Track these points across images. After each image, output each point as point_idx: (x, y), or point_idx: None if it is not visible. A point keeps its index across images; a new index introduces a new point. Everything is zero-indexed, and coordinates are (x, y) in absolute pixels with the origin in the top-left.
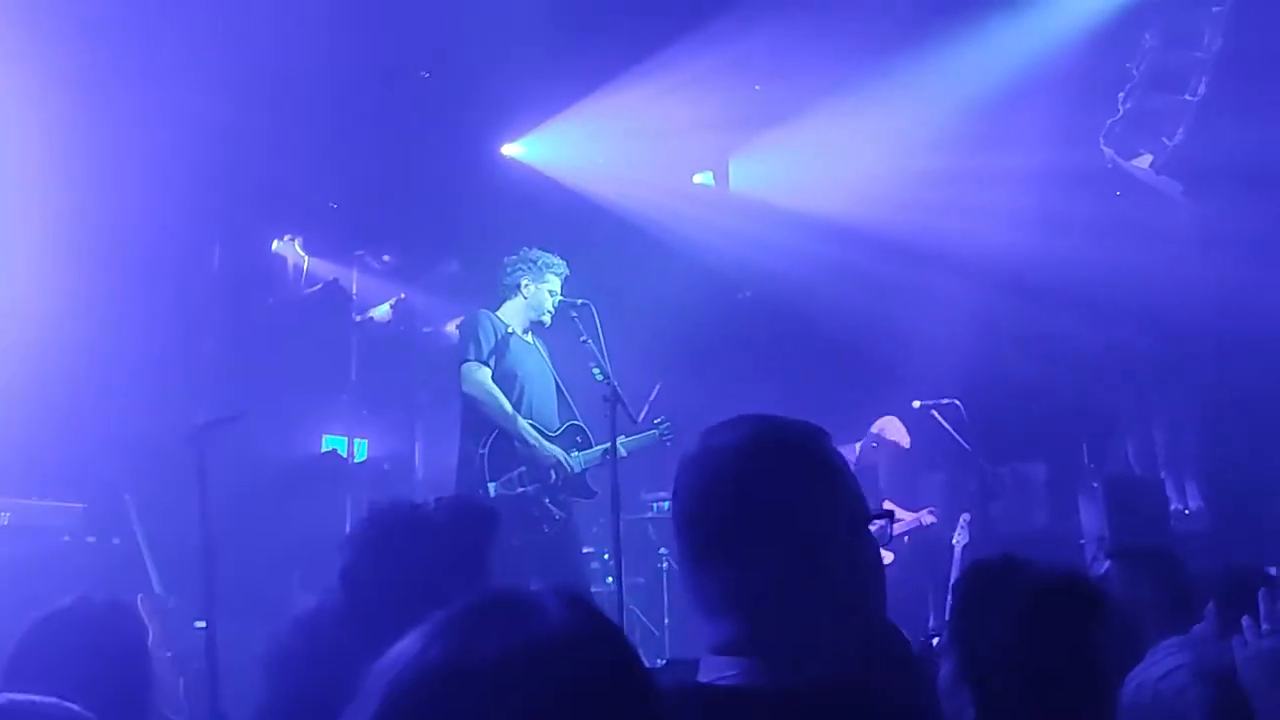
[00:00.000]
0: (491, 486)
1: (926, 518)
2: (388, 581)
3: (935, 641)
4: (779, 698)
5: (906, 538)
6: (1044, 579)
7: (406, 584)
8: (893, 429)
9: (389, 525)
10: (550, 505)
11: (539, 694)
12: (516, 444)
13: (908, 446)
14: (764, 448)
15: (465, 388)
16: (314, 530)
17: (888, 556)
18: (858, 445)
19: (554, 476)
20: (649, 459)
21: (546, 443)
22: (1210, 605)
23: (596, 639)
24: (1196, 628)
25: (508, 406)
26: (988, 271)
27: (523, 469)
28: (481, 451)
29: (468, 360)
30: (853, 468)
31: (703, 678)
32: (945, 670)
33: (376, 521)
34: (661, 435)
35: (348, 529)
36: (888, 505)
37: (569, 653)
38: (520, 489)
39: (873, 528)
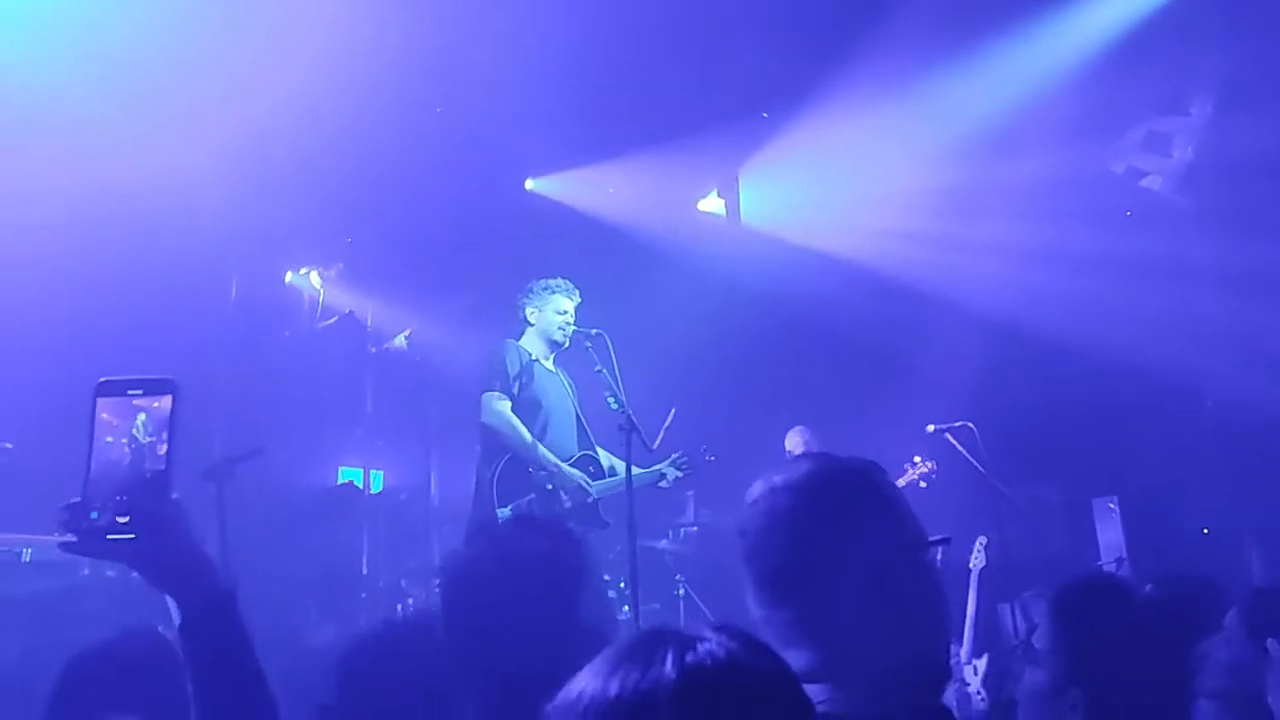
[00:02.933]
0: (502, 511)
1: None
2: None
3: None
4: None
5: None
6: (1154, 595)
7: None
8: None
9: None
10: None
11: (718, 713)
12: (530, 470)
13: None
14: (824, 483)
15: (484, 418)
16: (332, 561)
17: None
18: None
19: (567, 503)
20: (668, 492)
21: (567, 469)
22: (1230, 623)
23: (757, 661)
24: (1221, 650)
25: (527, 435)
26: (999, 295)
27: (533, 496)
28: (491, 476)
29: (489, 390)
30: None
31: None
32: (1039, 678)
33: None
34: (678, 468)
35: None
36: None
37: (737, 676)
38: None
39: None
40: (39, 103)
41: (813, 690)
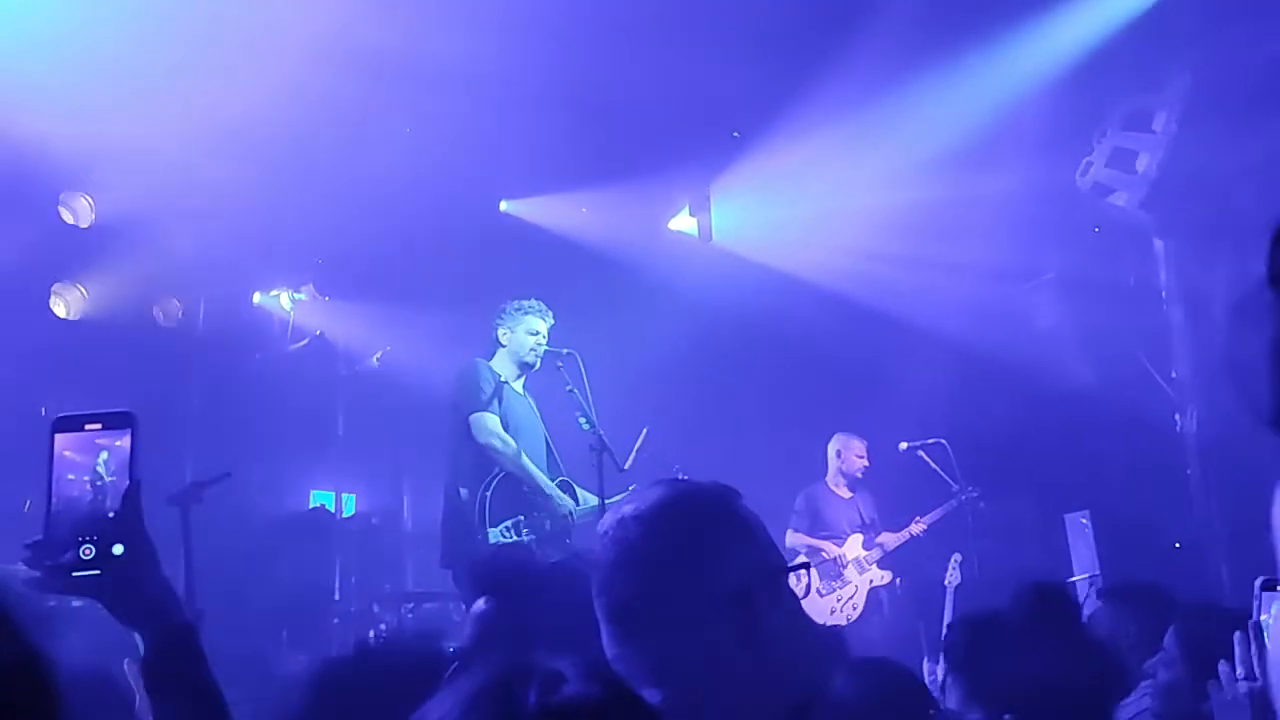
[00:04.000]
0: (492, 533)
1: (916, 528)
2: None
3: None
4: None
5: (899, 580)
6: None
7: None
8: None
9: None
10: (546, 554)
11: None
12: (523, 490)
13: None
14: (676, 511)
15: (480, 438)
16: (303, 586)
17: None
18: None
19: (548, 525)
20: None
21: (560, 491)
22: (1169, 644)
23: (619, 705)
24: (1161, 671)
25: (523, 455)
26: (971, 311)
27: (520, 517)
28: (485, 495)
29: (476, 411)
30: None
31: None
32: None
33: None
34: None
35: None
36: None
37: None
38: (517, 537)
39: (793, 581)
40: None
41: None
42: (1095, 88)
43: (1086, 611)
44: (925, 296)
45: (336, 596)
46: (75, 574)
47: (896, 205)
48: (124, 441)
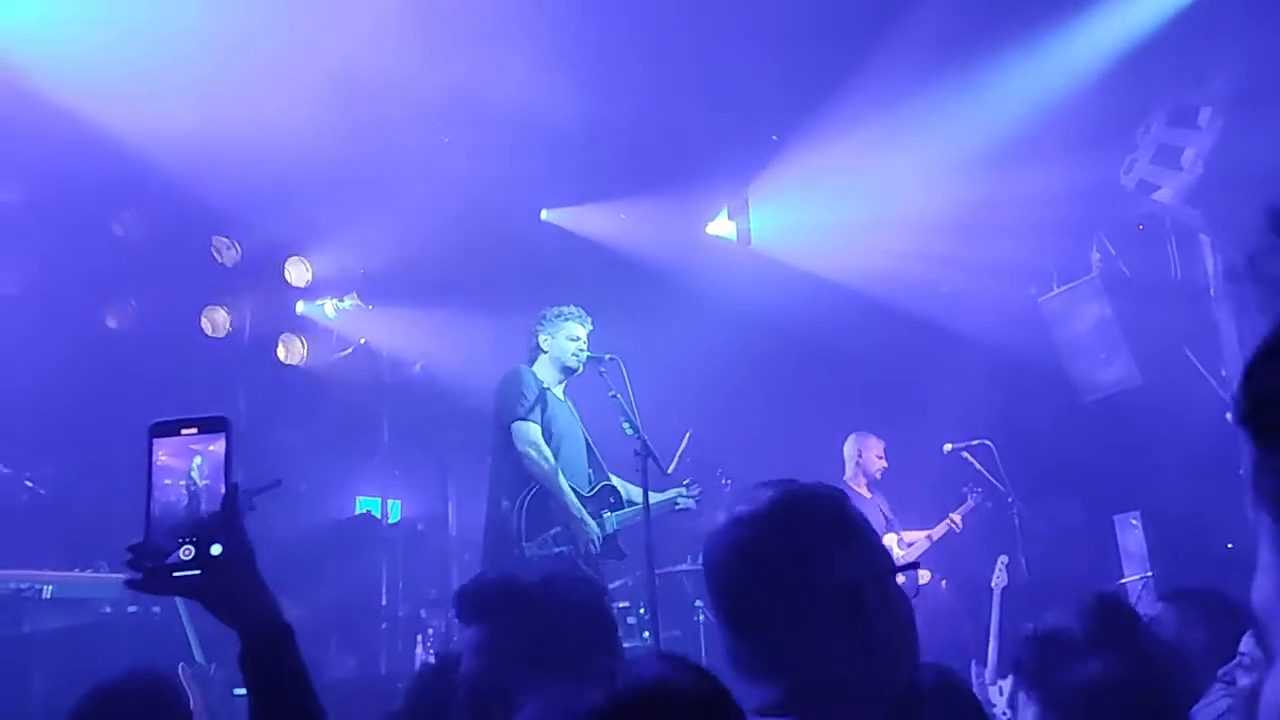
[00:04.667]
0: (526, 547)
1: (955, 520)
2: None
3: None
4: None
5: (944, 581)
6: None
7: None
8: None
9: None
10: (584, 567)
11: None
12: (553, 503)
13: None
14: (785, 513)
15: (520, 446)
16: (351, 593)
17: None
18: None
19: (586, 539)
20: (685, 515)
21: (587, 518)
22: (1248, 648)
23: (688, 683)
24: (1241, 676)
25: (553, 469)
26: (1014, 311)
27: (558, 529)
28: (519, 510)
29: (519, 419)
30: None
31: None
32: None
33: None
34: (689, 495)
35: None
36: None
37: (666, 698)
38: (556, 549)
39: (900, 579)
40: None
41: None
42: (1139, 83)
43: (1143, 613)
44: (967, 298)
45: (384, 602)
46: (176, 574)
47: (937, 206)
48: (217, 446)
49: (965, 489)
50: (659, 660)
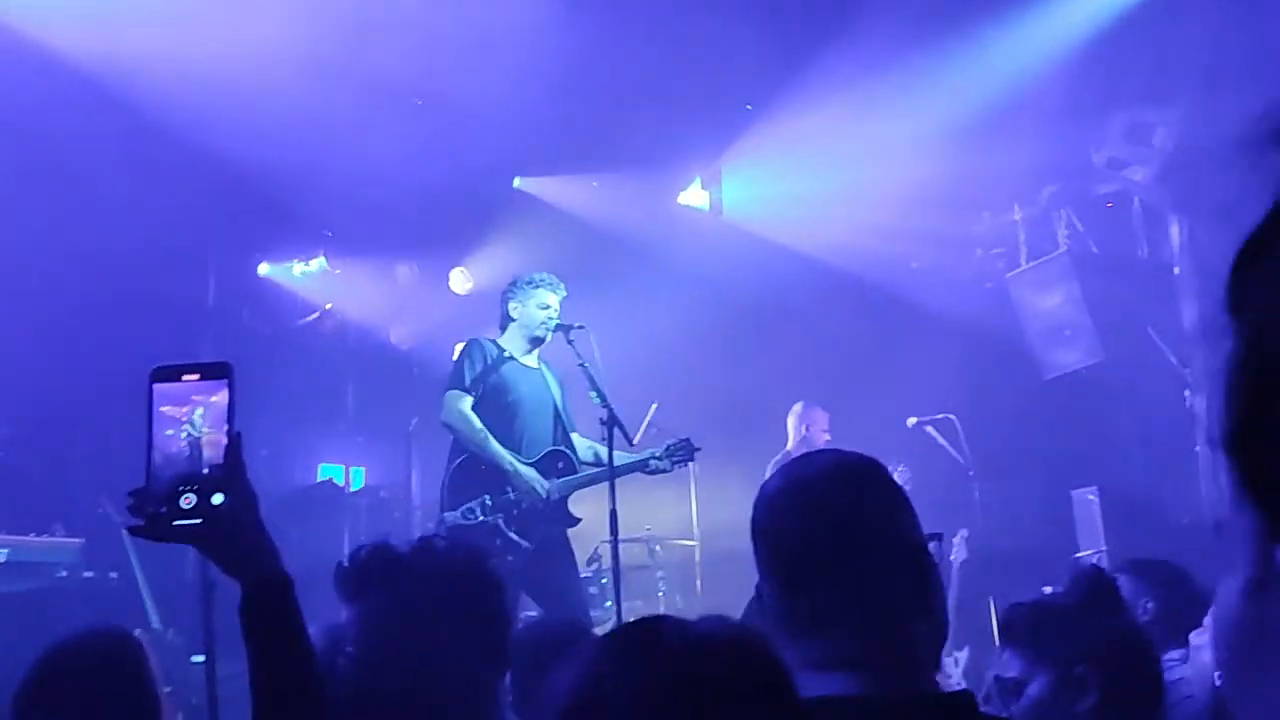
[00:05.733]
0: (449, 516)
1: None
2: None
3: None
4: (897, 706)
5: None
6: None
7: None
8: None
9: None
10: (515, 535)
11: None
12: (482, 470)
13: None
14: (847, 477)
15: (443, 416)
16: (311, 561)
17: None
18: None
19: (523, 504)
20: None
21: (523, 468)
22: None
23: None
24: (1193, 637)
25: (483, 434)
26: (981, 287)
27: (486, 499)
28: (445, 477)
29: (450, 389)
30: None
31: (810, 693)
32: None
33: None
34: (672, 457)
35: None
36: None
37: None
38: (481, 518)
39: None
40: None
41: (841, 678)
42: (1113, 61)
43: None
44: (935, 272)
45: None
46: (176, 523)
47: (909, 179)
48: (219, 396)
49: (893, 468)
50: (710, 619)
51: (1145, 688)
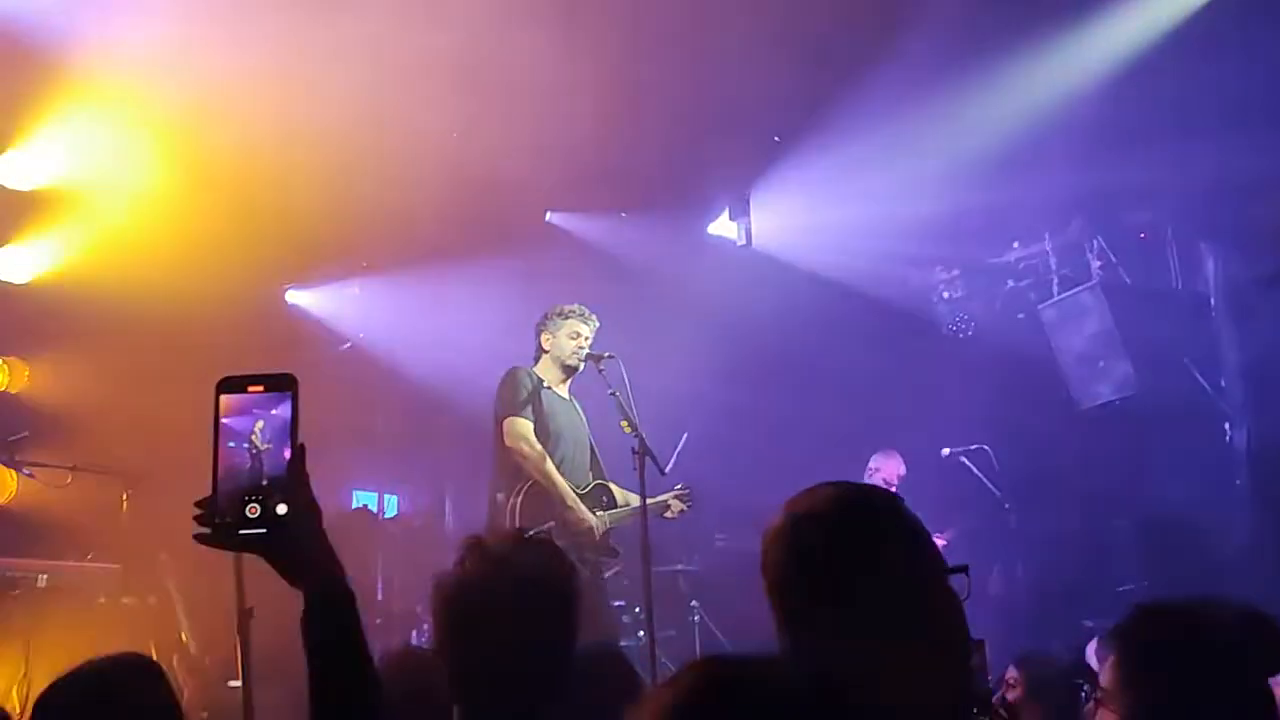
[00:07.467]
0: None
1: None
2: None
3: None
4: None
5: None
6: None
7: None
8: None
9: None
10: (577, 563)
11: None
12: (549, 497)
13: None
14: (849, 512)
15: (508, 441)
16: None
17: None
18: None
19: (579, 534)
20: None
21: (582, 507)
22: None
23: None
24: None
25: (549, 462)
26: (1015, 318)
27: (553, 524)
28: (515, 501)
29: (510, 415)
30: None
31: None
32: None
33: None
34: (681, 500)
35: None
36: None
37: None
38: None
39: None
40: None
41: None
42: (1142, 90)
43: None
44: (967, 302)
45: (379, 597)
46: (241, 531)
47: (939, 210)
48: (281, 409)
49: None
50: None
51: None
